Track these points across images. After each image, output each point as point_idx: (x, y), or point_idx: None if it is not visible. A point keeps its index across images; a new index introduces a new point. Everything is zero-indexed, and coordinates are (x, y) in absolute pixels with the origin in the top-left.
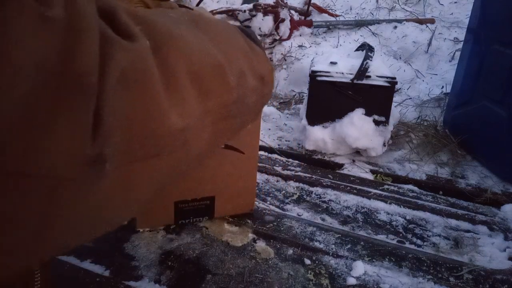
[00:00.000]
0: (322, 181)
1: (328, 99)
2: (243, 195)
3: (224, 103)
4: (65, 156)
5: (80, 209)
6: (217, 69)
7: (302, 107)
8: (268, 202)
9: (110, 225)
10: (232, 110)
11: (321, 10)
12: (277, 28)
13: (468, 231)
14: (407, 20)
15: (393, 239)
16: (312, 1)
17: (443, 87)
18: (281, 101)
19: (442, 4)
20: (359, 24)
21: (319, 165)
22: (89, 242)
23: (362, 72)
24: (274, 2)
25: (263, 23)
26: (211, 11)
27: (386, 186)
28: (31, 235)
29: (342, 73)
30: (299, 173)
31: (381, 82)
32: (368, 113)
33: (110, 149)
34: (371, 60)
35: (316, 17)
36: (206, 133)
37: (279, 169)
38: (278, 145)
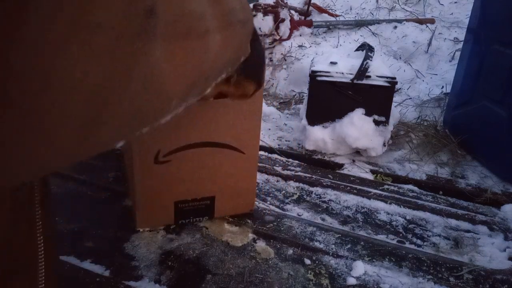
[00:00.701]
0: (322, 181)
1: (328, 99)
2: (243, 195)
3: (224, 11)
4: (124, 6)
5: (132, 77)
6: None
7: (302, 107)
8: (268, 202)
9: (149, 118)
10: (230, 19)
11: (321, 10)
12: (277, 28)
13: (468, 231)
14: (407, 20)
15: (393, 239)
16: (312, 1)
17: (443, 87)
18: (281, 101)
19: (442, 4)
20: (359, 24)
21: (319, 165)
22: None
23: (362, 72)
24: (274, 2)
25: (263, 23)
26: None
27: (386, 186)
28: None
29: (342, 73)
30: (299, 173)
31: (381, 82)
32: (368, 113)
33: (160, 8)
34: (371, 60)
35: (316, 17)
36: (218, 36)
37: (279, 169)
38: (278, 145)
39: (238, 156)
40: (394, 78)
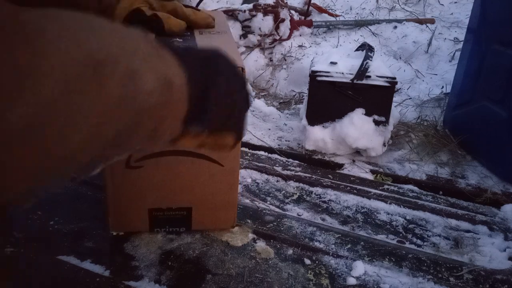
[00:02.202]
0: (322, 181)
1: (328, 99)
2: (223, 210)
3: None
4: None
5: None
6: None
7: (302, 107)
8: (268, 202)
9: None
10: (117, 110)
11: (321, 10)
12: (277, 28)
13: (468, 231)
14: (407, 20)
15: (393, 239)
16: (312, 1)
17: (443, 87)
18: (281, 101)
19: (442, 4)
20: (359, 24)
21: (319, 165)
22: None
23: (362, 72)
24: (274, 2)
25: (263, 23)
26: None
27: (386, 186)
28: None
29: (342, 73)
30: (299, 173)
31: (381, 82)
32: (368, 113)
33: None
34: (371, 60)
35: (316, 17)
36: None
37: (279, 169)
38: (278, 145)
39: (216, 168)
40: (394, 78)
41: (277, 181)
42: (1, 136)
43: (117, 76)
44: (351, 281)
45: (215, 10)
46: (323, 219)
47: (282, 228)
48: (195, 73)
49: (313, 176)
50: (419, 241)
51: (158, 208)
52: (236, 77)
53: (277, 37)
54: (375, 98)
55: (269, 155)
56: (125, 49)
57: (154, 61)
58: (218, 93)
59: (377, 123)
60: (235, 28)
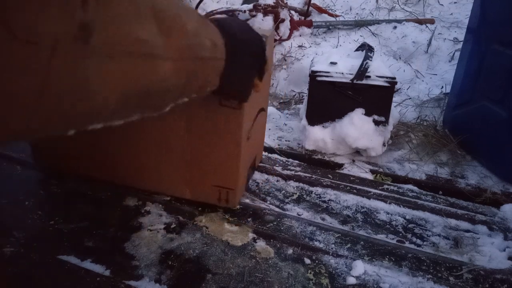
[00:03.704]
0: (322, 181)
1: (328, 99)
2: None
3: (179, 45)
4: (60, 21)
5: (69, 80)
6: (178, 17)
7: (302, 107)
8: (268, 202)
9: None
10: (187, 54)
11: (321, 10)
12: (277, 28)
13: (467, 231)
14: (407, 20)
15: (393, 239)
16: (312, 1)
17: (443, 87)
18: (281, 101)
19: (442, 4)
20: (359, 24)
21: (319, 165)
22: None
23: (362, 72)
24: (274, 2)
25: (263, 23)
26: (211, 11)
27: (386, 186)
28: (31, 97)
29: (342, 73)
30: (299, 173)
31: (381, 82)
32: (368, 113)
33: (95, 25)
34: (371, 60)
35: (316, 17)
36: (168, 62)
37: (279, 169)
38: (278, 145)
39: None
40: (394, 78)
41: (277, 181)
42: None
43: (186, 31)
44: (351, 280)
45: (215, 10)
46: (323, 219)
47: (282, 228)
48: (230, 40)
49: (313, 176)
50: (418, 241)
51: None
52: (259, 57)
53: (277, 37)
54: (375, 98)
55: (269, 155)
56: (189, 15)
57: (206, 27)
58: (244, 63)
59: (377, 123)
60: None
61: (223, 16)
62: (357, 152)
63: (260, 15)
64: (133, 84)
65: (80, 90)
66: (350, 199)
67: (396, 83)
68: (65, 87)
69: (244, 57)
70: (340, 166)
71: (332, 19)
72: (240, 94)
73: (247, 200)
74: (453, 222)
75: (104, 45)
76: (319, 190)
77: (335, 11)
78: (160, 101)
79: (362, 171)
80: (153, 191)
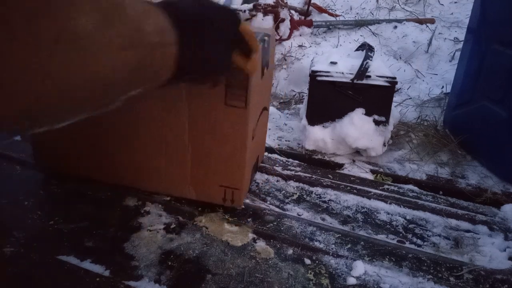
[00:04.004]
0: (322, 181)
1: (328, 99)
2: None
3: (120, 35)
4: None
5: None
6: (118, 6)
7: (302, 107)
8: (268, 202)
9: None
10: (130, 43)
11: (321, 10)
12: (277, 28)
13: (468, 231)
14: (407, 20)
15: (393, 239)
16: (312, 1)
17: (443, 87)
18: (281, 101)
19: (442, 4)
20: (359, 24)
21: (319, 165)
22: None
23: (362, 72)
24: (274, 2)
25: (263, 23)
26: None
27: (386, 186)
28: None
29: (342, 73)
30: (299, 173)
31: (381, 82)
32: (368, 113)
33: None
34: (371, 60)
35: (316, 17)
36: (109, 54)
37: (279, 169)
38: (278, 145)
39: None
40: (394, 78)
41: (277, 181)
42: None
43: (127, 20)
44: (351, 281)
45: None
46: (323, 219)
47: (282, 228)
48: (182, 22)
49: (313, 176)
50: (419, 241)
51: None
52: (224, 17)
53: (277, 37)
54: (375, 98)
55: (269, 155)
56: (131, 2)
57: (151, 12)
58: (205, 45)
59: (377, 123)
60: None
61: None
62: (357, 152)
63: (260, 15)
64: (73, 77)
65: (12, 88)
66: (351, 199)
67: (396, 83)
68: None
69: (205, 34)
70: (340, 166)
71: (332, 18)
72: (212, 76)
73: (247, 200)
74: (453, 222)
75: (44, 33)
76: (319, 190)
77: (335, 10)
78: (106, 95)
79: (362, 171)
80: (155, 191)
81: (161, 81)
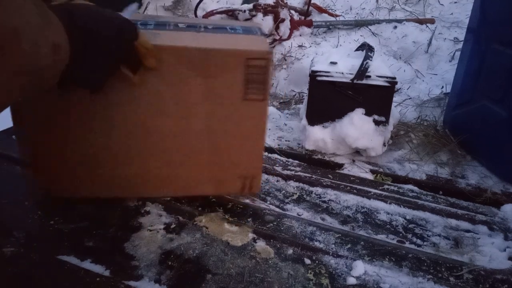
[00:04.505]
0: (322, 181)
1: (328, 99)
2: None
3: (13, 64)
4: None
5: None
6: (13, 32)
7: (302, 107)
8: (268, 202)
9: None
10: (21, 70)
11: (321, 10)
12: (277, 28)
13: (468, 231)
14: (407, 20)
15: (393, 239)
16: (312, 1)
17: (443, 87)
18: (281, 101)
19: (442, 4)
20: (359, 24)
21: (319, 165)
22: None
23: (362, 72)
24: (274, 2)
25: (263, 23)
26: (211, 11)
27: (386, 186)
28: None
29: (342, 73)
30: (299, 173)
31: (381, 82)
32: (368, 113)
33: None
34: (371, 60)
35: (316, 17)
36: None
37: (279, 169)
38: (278, 145)
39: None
40: (394, 78)
41: (277, 181)
42: None
43: (23, 46)
44: (351, 280)
45: (215, 10)
46: (323, 219)
47: (282, 228)
48: (77, 35)
49: (313, 176)
50: (419, 241)
51: None
52: (112, 29)
53: (277, 37)
54: (375, 98)
55: (269, 155)
56: (28, 19)
57: (48, 27)
58: (95, 56)
59: (377, 123)
60: None
61: (79, 2)
62: (357, 152)
63: (260, 15)
64: None
65: None
66: (350, 199)
67: (396, 83)
68: None
69: (94, 47)
70: (340, 166)
71: (332, 19)
72: (88, 85)
73: (247, 200)
74: (453, 222)
75: None
76: (319, 190)
77: (335, 10)
78: None
79: (362, 171)
80: (176, 195)
81: (45, 89)
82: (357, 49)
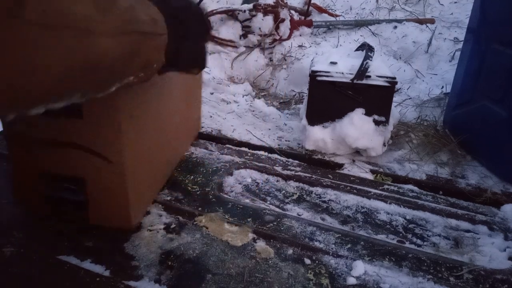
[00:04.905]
0: (322, 181)
1: (328, 99)
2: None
3: (116, 20)
4: None
5: (9, 55)
6: None
7: (302, 107)
8: (268, 202)
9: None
10: (125, 29)
11: (321, 10)
12: (277, 28)
13: (468, 231)
14: (407, 20)
15: (393, 239)
16: (312, 1)
17: (443, 87)
18: (281, 101)
19: (442, 4)
20: (359, 24)
21: (319, 165)
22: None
23: (362, 72)
24: (274, 2)
25: (263, 23)
26: (211, 11)
27: (386, 186)
28: None
29: (342, 73)
30: (299, 173)
31: (381, 82)
32: (368, 113)
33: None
34: (371, 60)
35: (316, 17)
36: (106, 37)
37: (279, 169)
38: (278, 145)
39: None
40: (394, 78)
41: (277, 181)
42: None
43: (122, 6)
44: (351, 280)
45: (215, 10)
46: (323, 219)
47: (282, 228)
48: (171, 15)
49: (313, 176)
50: (419, 241)
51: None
52: (202, 23)
53: (277, 37)
54: (375, 98)
55: (269, 155)
56: None
57: (143, 3)
58: (188, 38)
59: (377, 123)
60: (235, 28)
61: None
62: (357, 152)
63: (260, 15)
64: (72, 58)
65: (20, 64)
66: (350, 199)
67: (396, 83)
68: (5, 62)
69: (190, 28)
70: (340, 166)
71: (332, 19)
72: (197, 65)
73: (247, 200)
74: (453, 222)
75: (39, 18)
76: (319, 190)
77: (335, 10)
78: (103, 78)
79: (362, 171)
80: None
81: (152, 70)
82: (357, 49)
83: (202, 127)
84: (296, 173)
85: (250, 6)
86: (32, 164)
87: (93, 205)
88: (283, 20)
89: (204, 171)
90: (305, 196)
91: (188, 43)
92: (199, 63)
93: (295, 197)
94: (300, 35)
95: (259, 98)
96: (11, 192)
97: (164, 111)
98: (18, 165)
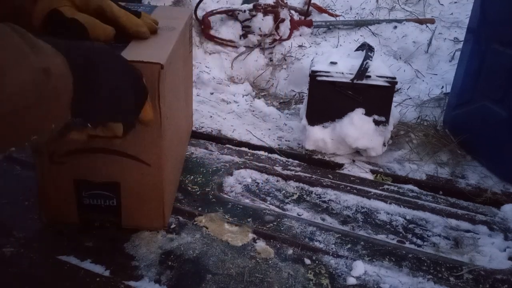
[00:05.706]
0: (322, 181)
1: (328, 99)
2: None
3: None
4: None
5: None
6: None
7: (302, 107)
8: (268, 202)
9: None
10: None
11: (321, 10)
12: (277, 28)
13: (468, 231)
14: (407, 20)
15: (393, 239)
16: (312, 1)
17: (443, 87)
18: (281, 101)
19: (442, 4)
20: (359, 24)
21: (319, 165)
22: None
23: (362, 72)
24: (274, 2)
25: (263, 23)
26: (211, 11)
27: (386, 186)
28: None
29: (342, 73)
30: (299, 173)
31: (381, 82)
32: (368, 113)
33: None
34: (371, 60)
35: (316, 17)
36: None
37: (279, 169)
38: (278, 145)
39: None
40: (394, 78)
41: (277, 181)
42: None
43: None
44: (351, 281)
45: (215, 10)
46: (323, 219)
47: (282, 228)
48: (78, 64)
49: (313, 176)
50: (419, 241)
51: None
52: (125, 74)
53: (277, 37)
54: (375, 98)
55: (269, 155)
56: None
57: (26, 54)
58: (103, 86)
59: (377, 123)
60: (235, 28)
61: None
62: (357, 152)
63: (260, 15)
64: None
65: None
66: (350, 199)
67: (396, 83)
68: None
69: (100, 81)
70: (340, 166)
71: (332, 18)
72: (118, 117)
73: (247, 200)
74: (453, 222)
75: None
76: (319, 190)
77: (335, 10)
78: (15, 129)
79: (362, 171)
80: None
81: (52, 130)
82: (357, 49)
83: (202, 127)
84: (296, 173)
85: (250, 6)
86: (65, 173)
87: (125, 208)
88: (283, 20)
89: (204, 171)
90: (305, 196)
91: (103, 93)
92: (120, 119)
93: (295, 197)
94: (300, 35)
95: (259, 98)
96: (38, 213)
97: (179, 111)
98: (48, 178)
